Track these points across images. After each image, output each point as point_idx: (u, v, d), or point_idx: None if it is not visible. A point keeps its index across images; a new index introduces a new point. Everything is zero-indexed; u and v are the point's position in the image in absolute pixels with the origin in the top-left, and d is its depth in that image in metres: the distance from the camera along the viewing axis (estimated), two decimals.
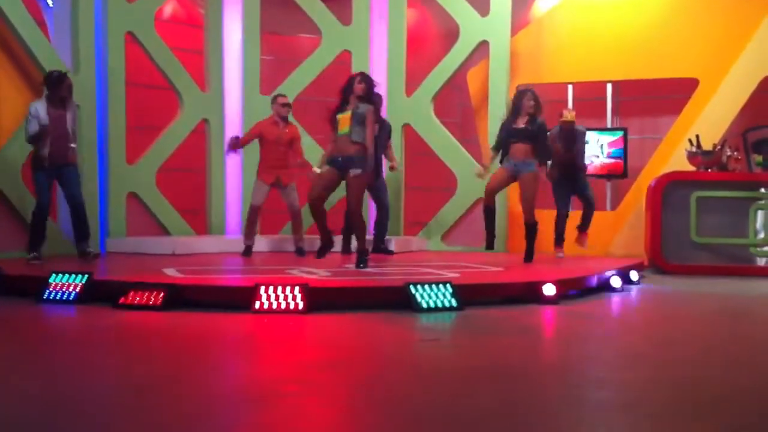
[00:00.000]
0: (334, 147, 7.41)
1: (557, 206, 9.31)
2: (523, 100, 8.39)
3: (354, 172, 7.25)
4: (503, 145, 8.47)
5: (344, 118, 7.32)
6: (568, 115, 9.17)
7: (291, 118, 9.36)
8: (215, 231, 10.56)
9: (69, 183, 8.05)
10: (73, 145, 8.04)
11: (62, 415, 3.00)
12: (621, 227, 10.46)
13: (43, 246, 7.92)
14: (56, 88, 7.83)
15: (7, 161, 8.54)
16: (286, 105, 9.21)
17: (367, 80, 7.44)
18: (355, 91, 7.32)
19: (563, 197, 9.32)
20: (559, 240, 9.35)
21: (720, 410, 3.16)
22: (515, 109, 8.44)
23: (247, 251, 9.13)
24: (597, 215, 9.83)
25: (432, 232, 10.89)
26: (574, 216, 9.49)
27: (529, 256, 8.53)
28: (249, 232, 9.18)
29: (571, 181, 9.24)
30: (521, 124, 8.39)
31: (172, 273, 6.73)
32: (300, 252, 9.19)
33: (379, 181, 9.26)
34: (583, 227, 9.42)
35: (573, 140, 9.15)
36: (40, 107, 7.79)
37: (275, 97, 9.29)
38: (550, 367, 4.10)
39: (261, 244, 9.79)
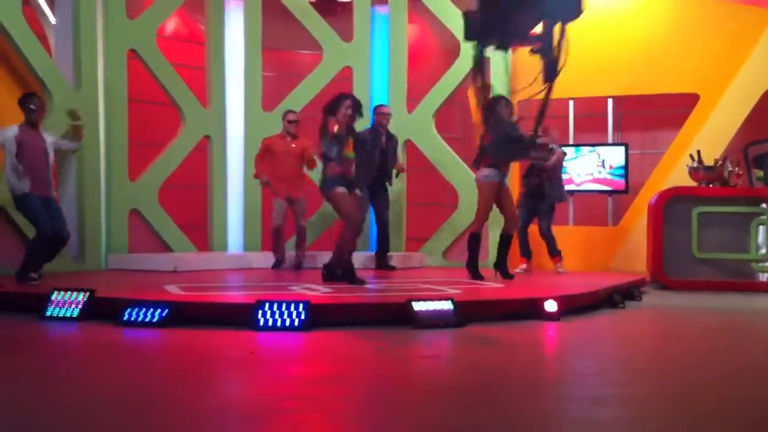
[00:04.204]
0: (345, 168, 7.49)
1: (519, 214, 9.07)
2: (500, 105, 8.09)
3: (359, 192, 7.69)
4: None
5: (349, 142, 7.52)
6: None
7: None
8: (217, 247, 10.55)
9: (55, 216, 7.55)
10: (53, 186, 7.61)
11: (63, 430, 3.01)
12: (623, 243, 10.45)
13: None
14: (23, 109, 7.53)
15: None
16: (292, 122, 9.50)
17: (359, 108, 7.54)
18: (350, 121, 7.46)
19: (527, 213, 9.48)
20: (524, 253, 9.61)
21: (718, 423, 3.16)
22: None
23: (276, 264, 9.55)
24: (599, 230, 9.74)
25: (433, 247, 10.89)
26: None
27: (506, 268, 8.35)
28: (276, 248, 9.58)
29: (535, 200, 9.41)
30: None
31: (173, 290, 6.73)
32: (299, 266, 9.51)
33: (384, 196, 9.61)
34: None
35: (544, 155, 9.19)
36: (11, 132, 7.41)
37: (285, 113, 9.65)
38: (551, 384, 4.10)
39: (262, 260, 9.82)
